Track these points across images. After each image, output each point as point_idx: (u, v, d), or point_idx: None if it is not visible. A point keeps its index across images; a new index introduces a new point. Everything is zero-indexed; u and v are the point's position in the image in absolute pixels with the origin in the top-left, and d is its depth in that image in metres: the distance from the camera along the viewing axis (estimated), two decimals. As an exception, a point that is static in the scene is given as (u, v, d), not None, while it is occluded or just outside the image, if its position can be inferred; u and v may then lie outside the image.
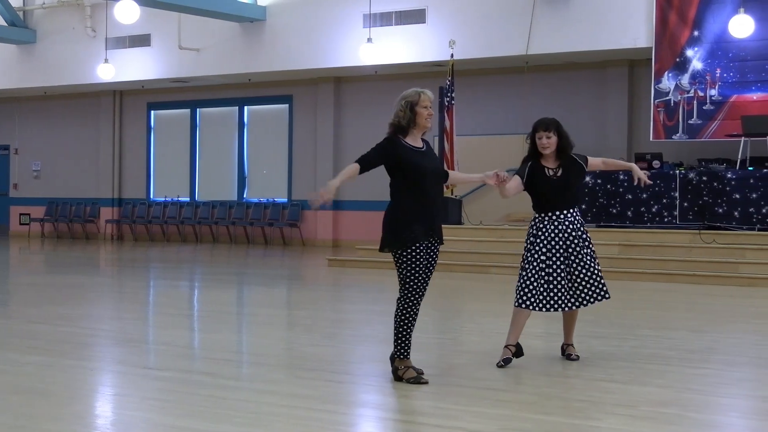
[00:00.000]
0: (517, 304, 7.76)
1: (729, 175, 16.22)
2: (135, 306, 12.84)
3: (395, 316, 7.06)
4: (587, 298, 7.87)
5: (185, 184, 26.63)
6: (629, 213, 16.94)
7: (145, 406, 6.57)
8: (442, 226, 7.25)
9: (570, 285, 7.82)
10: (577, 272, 7.81)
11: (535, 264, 7.74)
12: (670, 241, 16.14)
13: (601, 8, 18.96)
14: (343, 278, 16.13)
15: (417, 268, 6.97)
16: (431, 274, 7.14)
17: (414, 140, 7.13)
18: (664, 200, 16.66)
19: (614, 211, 17.04)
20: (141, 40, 24.43)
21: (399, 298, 7.05)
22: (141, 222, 26.87)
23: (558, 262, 7.74)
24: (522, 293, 7.74)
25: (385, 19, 21.20)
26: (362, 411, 6.63)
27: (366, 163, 7.06)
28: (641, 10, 18.63)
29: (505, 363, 7.68)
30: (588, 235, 7.92)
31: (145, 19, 22.86)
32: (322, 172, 24.14)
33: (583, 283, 7.84)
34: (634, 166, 8.22)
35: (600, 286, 7.89)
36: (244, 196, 25.78)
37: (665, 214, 16.67)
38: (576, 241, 7.79)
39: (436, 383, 7.04)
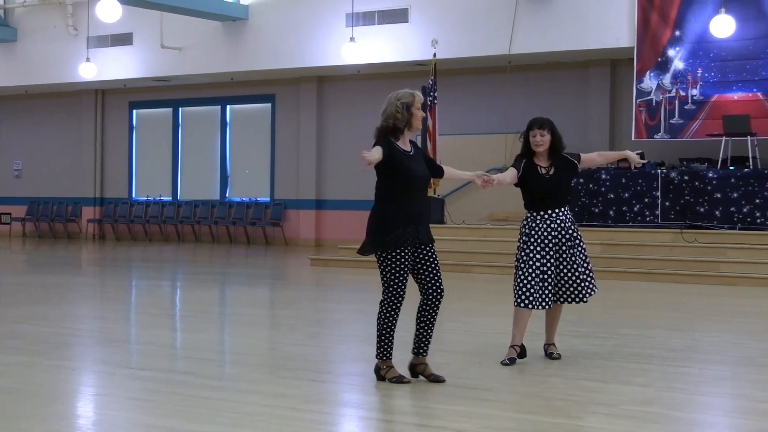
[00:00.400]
0: (516, 303, 7.81)
1: (710, 175, 16.29)
2: (117, 306, 12.81)
3: (378, 318, 7.05)
4: (571, 296, 7.93)
5: (167, 183, 26.57)
6: (611, 212, 16.99)
7: (128, 405, 6.55)
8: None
9: (556, 282, 7.89)
10: (564, 271, 7.88)
11: (531, 263, 7.80)
12: (651, 241, 16.19)
13: (583, 8, 19.01)
14: (325, 278, 16.13)
15: (400, 271, 6.96)
16: (439, 272, 7.08)
17: (404, 143, 7.11)
18: (646, 199, 16.73)
19: (596, 210, 17.09)
20: (123, 39, 24.36)
21: (381, 301, 7.04)
22: (123, 221, 26.79)
23: (552, 260, 7.82)
24: (521, 292, 7.80)
25: (367, 18, 21.20)
26: (345, 410, 6.63)
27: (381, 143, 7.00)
28: (623, 10, 18.69)
29: (510, 362, 7.76)
30: (579, 233, 8.00)
31: (127, 17, 22.77)
32: (304, 172, 24.14)
33: (570, 282, 7.90)
34: (628, 153, 8.29)
35: (586, 285, 7.97)
36: (227, 195, 25.74)
37: (647, 213, 16.73)
38: (567, 239, 7.88)
39: (418, 382, 7.05)
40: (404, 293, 7.02)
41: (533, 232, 7.87)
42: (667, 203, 16.56)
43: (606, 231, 16.69)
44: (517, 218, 19.69)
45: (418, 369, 7.14)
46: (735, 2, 17.52)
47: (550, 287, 7.83)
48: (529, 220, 7.94)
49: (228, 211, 25.39)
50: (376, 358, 7.11)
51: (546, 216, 7.88)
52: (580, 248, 7.95)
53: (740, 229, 15.94)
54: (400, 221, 6.95)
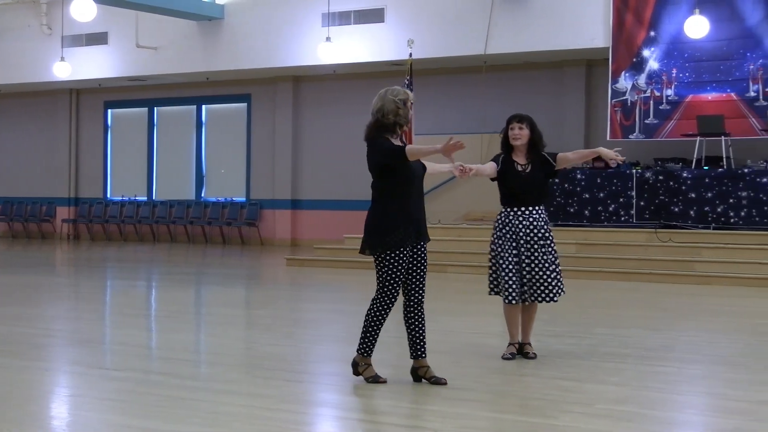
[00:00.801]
0: (506, 300, 7.92)
1: (685, 175, 16.37)
2: (91, 306, 12.75)
3: (367, 315, 7.03)
4: (542, 294, 7.95)
5: (143, 183, 26.47)
6: (586, 212, 17.05)
7: (102, 406, 6.52)
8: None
9: (528, 279, 7.92)
10: (536, 270, 7.90)
11: (507, 258, 7.86)
12: (626, 240, 16.26)
13: (558, 9, 19.06)
14: (301, 278, 16.10)
15: (397, 272, 6.94)
16: (424, 276, 7.10)
17: (396, 141, 7.07)
18: (621, 199, 16.79)
19: (571, 210, 17.14)
20: (98, 39, 24.26)
21: (375, 299, 7.02)
22: (98, 221, 26.66)
23: (523, 257, 7.87)
24: (503, 289, 7.89)
25: (343, 18, 21.19)
26: (321, 410, 6.62)
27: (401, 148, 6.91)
28: (598, 11, 18.76)
29: (512, 356, 7.98)
30: (551, 234, 8.00)
31: (102, 17, 22.66)
32: (280, 172, 24.10)
33: (541, 280, 7.92)
34: (602, 150, 8.28)
35: (557, 284, 7.96)
36: (202, 195, 25.66)
37: (622, 213, 16.79)
38: (539, 238, 7.90)
39: (394, 382, 7.05)
40: (398, 294, 7.01)
41: (506, 228, 7.93)
42: (642, 203, 16.63)
43: (581, 231, 16.75)
44: (492, 218, 19.76)
45: (420, 372, 7.10)
46: (709, 3, 17.61)
47: (518, 283, 7.87)
48: (502, 215, 7.99)
49: (203, 211, 25.31)
50: (357, 352, 7.10)
51: (519, 213, 7.92)
52: (551, 248, 7.96)
53: (714, 228, 16.02)
54: (401, 221, 6.93)
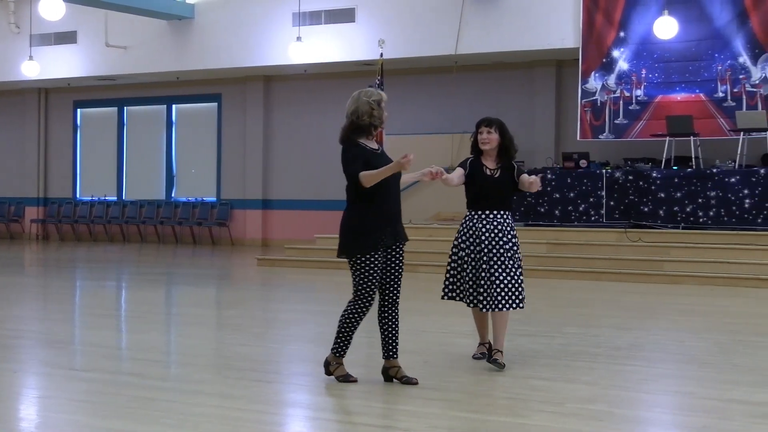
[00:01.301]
0: (470, 304, 7.83)
1: (654, 175, 16.45)
2: (61, 306, 12.67)
3: (342, 316, 7.02)
4: (482, 302, 7.67)
5: (112, 183, 26.33)
6: (557, 212, 17.11)
7: (72, 407, 6.48)
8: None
9: (486, 284, 7.66)
10: (485, 276, 7.64)
11: (468, 261, 7.76)
12: (596, 240, 16.33)
13: (528, 9, 19.12)
14: (272, 278, 16.07)
15: (371, 275, 6.94)
16: (400, 276, 7.10)
17: (371, 142, 7.06)
18: (591, 199, 16.86)
19: (542, 210, 17.20)
20: (67, 37, 24.12)
21: (351, 301, 7.01)
22: (67, 221, 26.50)
23: (481, 261, 7.71)
24: (460, 292, 7.86)
25: (314, 17, 21.17)
26: (292, 411, 6.62)
27: (359, 170, 6.85)
28: (568, 11, 18.83)
29: (482, 356, 7.96)
30: (517, 240, 7.81)
31: (70, 15, 22.56)
32: (251, 171, 24.05)
33: (485, 287, 7.65)
34: (525, 178, 7.83)
35: (503, 295, 7.61)
36: (173, 195, 25.56)
37: (592, 212, 16.87)
38: (502, 243, 7.70)
39: (365, 382, 7.05)
40: (374, 296, 7.00)
41: (470, 232, 7.79)
42: (612, 203, 16.71)
43: (551, 230, 16.80)
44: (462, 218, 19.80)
45: (390, 372, 7.10)
46: (678, 4, 17.73)
47: (474, 287, 7.72)
48: (467, 219, 7.88)
49: (174, 211, 25.21)
50: (333, 352, 7.09)
51: (484, 216, 7.79)
52: (515, 256, 7.70)
53: (683, 228, 16.12)
54: (377, 225, 6.92)
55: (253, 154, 24.06)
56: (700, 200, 16.08)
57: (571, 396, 6.78)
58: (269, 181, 24.00)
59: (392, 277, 7.07)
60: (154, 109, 25.84)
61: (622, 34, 18.34)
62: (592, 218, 16.84)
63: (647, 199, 16.41)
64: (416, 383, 6.98)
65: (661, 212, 16.31)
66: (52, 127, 27.20)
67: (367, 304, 6.98)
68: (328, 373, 7.10)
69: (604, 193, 16.76)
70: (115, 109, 26.35)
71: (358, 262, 6.93)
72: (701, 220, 16.09)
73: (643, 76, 18.19)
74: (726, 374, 7.69)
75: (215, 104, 24.87)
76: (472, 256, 7.74)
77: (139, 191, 26.00)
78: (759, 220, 15.72)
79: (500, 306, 7.62)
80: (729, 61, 17.53)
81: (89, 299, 13.92)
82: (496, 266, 7.65)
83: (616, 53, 18.39)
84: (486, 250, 7.68)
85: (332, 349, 7.11)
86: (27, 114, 27.26)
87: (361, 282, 6.95)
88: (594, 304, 12.79)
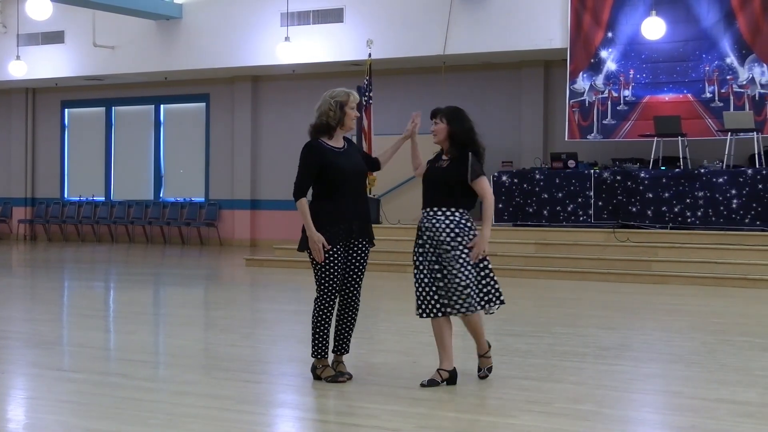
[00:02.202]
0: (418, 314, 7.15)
1: (642, 175, 16.49)
2: (48, 307, 12.63)
3: (312, 317, 7.07)
4: (456, 306, 7.01)
5: (100, 183, 26.27)
6: (545, 212, 17.13)
7: (59, 408, 6.47)
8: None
9: (444, 287, 7.03)
10: (449, 277, 6.97)
11: (419, 267, 7.10)
12: (584, 240, 16.35)
13: (516, 9, 19.14)
14: (260, 278, 16.07)
15: (331, 270, 6.97)
16: (362, 274, 7.15)
17: (336, 141, 7.13)
18: (579, 199, 16.89)
19: (530, 210, 17.22)
20: (54, 37, 24.05)
21: (315, 299, 7.07)
22: (55, 222, 26.43)
23: (434, 264, 7.03)
24: (418, 301, 7.11)
25: (302, 18, 21.16)
26: (280, 411, 6.61)
27: (304, 190, 6.99)
28: (556, 12, 18.86)
29: (428, 384, 6.98)
30: (461, 241, 6.94)
31: (58, 15, 22.51)
32: (239, 172, 24.02)
33: (458, 290, 6.96)
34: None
35: (448, 300, 6.99)
36: (161, 195, 25.51)
37: (580, 213, 16.89)
38: (439, 244, 6.99)
39: (353, 382, 7.06)
40: (337, 291, 7.03)
41: (419, 233, 7.13)
42: (600, 203, 16.74)
43: (540, 231, 16.82)
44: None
45: (333, 365, 7.21)
46: (665, 5, 17.77)
47: (431, 294, 7.01)
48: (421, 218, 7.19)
49: (162, 211, 25.17)
50: (312, 356, 7.12)
51: (425, 213, 7.11)
52: (455, 258, 6.91)
53: (671, 228, 16.15)
54: (333, 219, 6.97)
55: (242, 155, 24.04)
56: (688, 200, 16.13)
57: (559, 396, 6.80)
58: (257, 181, 23.98)
59: (351, 276, 7.12)
60: (142, 109, 25.79)
61: (609, 34, 18.37)
62: (581, 218, 16.87)
63: (635, 200, 16.44)
64: (344, 381, 7.06)
65: (649, 212, 16.35)
66: (40, 127, 27.13)
67: (329, 299, 7.01)
68: (317, 377, 7.12)
69: (592, 194, 16.79)
70: (103, 109, 26.29)
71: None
72: (689, 220, 16.13)
73: (631, 76, 18.23)
74: (713, 374, 7.71)
75: (203, 104, 24.83)
76: (420, 258, 7.08)
77: (127, 191, 25.95)
78: (746, 221, 15.77)
79: (425, 313, 7.03)
80: (716, 62, 17.58)
81: (77, 300, 13.89)
82: (442, 269, 6.99)
83: (604, 54, 18.43)
84: (431, 252, 7.03)
85: (312, 353, 7.12)
86: (14, 114, 27.18)
87: (320, 277, 7.00)
88: (582, 304, 12.82)
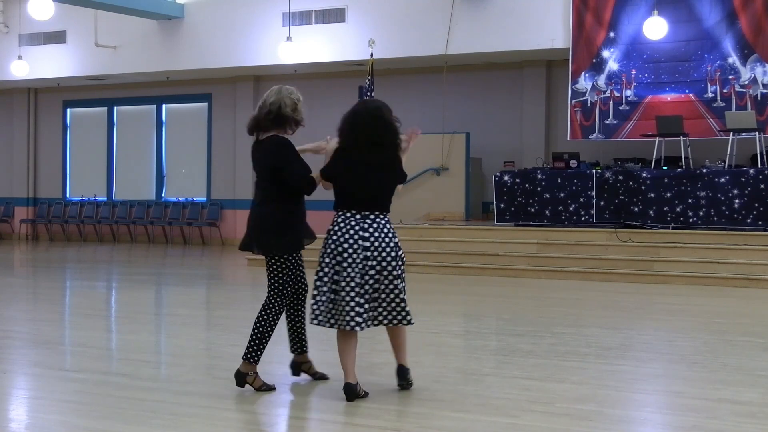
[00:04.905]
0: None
1: (644, 175, 16.47)
2: (51, 307, 12.64)
3: (261, 321, 6.84)
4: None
5: (102, 183, 26.28)
6: (547, 212, 17.12)
7: (62, 408, 6.47)
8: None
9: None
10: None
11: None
12: (586, 240, 16.34)
13: (518, 9, 19.14)
14: (261, 278, 15.99)
15: (295, 273, 6.99)
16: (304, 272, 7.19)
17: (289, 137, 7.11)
18: (581, 199, 16.87)
19: (532, 210, 17.20)
20: (56, 37, 24.06)
21: (268, 303, 6.88)
22: (57, 222, 26.44)
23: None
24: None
25: (304, 17, 21.16)
26: (281, 411, 6.61)
27: (312, 180, 6.98)
28: (558, 12, 18.85)
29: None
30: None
31: (60, 15, 22.52)
32: (241, 171, 24.03)
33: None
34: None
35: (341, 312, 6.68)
36: (163, 195, 25.53)
37: (582, 213, 16.88)
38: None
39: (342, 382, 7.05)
40: (291, 295, 7.08)
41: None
42: (602, 203, 16.73)
43: (542, 230, 16.80)
44: (454, 218, 19.83)
45: (303, 368, 7.22)
46: (667, 4, 17.76)
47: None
48: None
49: (164, 211, 25.18)
50: (248, 360, 6.80)
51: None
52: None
53: (673, 228, 16.14)
54: (301, 220, 7.02)
55: (244, 154, 24.01)
56: (689, 200, 16.11)
57: (561, 396, 6.79)
58: (259, 181, 23.94)
59: (302, 273, 7.13)
60: (144, 109, 25.80)
61: (611, 34, 18.36)
62: (582, 218, 16.86)
63: (637, 199, 16.43)
64: (328, 378, 7.10)
65: (651, 212, 16.34)
66: (42, 127, 27.14)
67: (285, 303, 6.98)
68: (242, 384, 6.78)
69: (594, 193, 16.78)
70: (105, 109, 26.30)
71: (287, 260, 6.93)
72: (691, 220, 16.11)
73: (633, 76, 18.22)
74: (715, 374, 7.71)
75: (205, 104, 24.84)
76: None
77: (129, 191, 25.96)
78: (748, 221, 15.75)
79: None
80: (718, 62, 17.57)
81: (79, 300, 13.90)
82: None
83: (605, 53, 18.42)
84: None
85: (247, 357, 6.80)
86: (16, 114, 27.19)
87: (284, 281, 6.92)
88: (584, 304, 12.81)
